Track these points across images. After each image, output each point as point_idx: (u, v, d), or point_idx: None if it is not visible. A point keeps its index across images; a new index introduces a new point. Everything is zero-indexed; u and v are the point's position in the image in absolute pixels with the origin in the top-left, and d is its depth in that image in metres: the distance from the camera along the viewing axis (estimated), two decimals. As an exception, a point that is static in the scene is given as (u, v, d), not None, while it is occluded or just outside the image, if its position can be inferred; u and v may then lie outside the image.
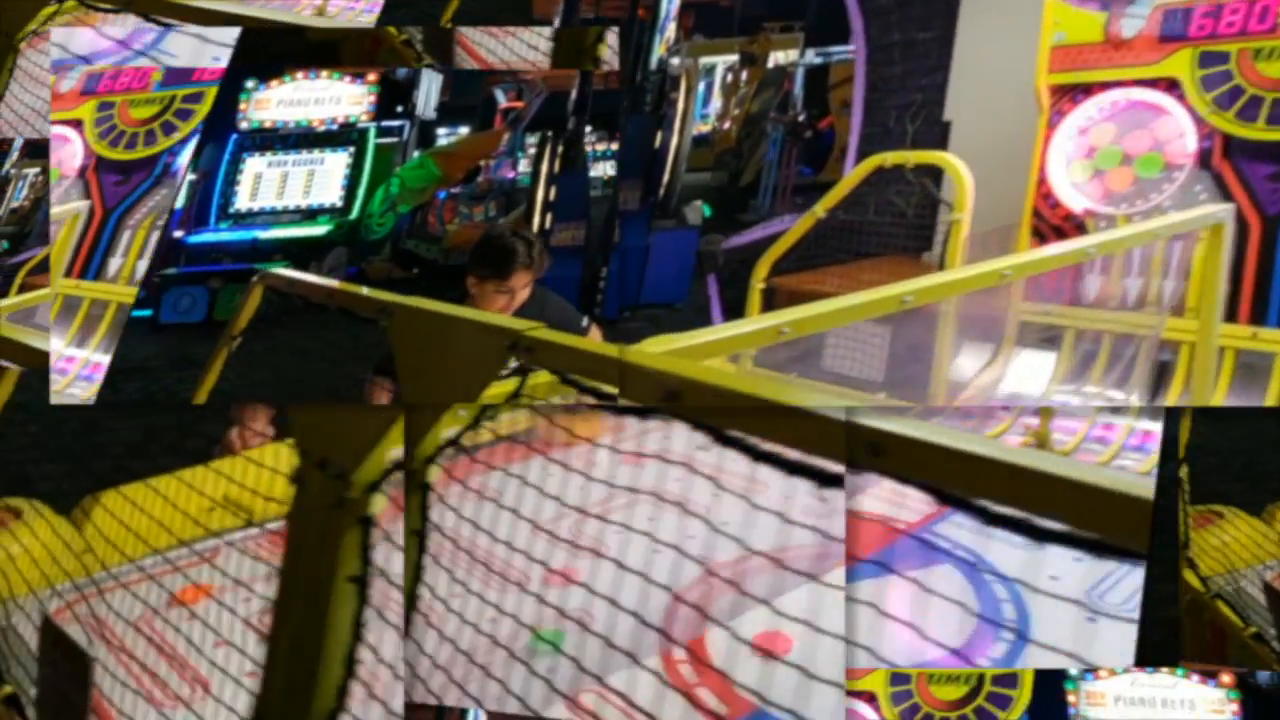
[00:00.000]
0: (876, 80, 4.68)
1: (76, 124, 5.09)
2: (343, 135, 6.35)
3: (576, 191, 6.16)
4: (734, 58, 7.86)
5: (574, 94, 6.62)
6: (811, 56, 8.19)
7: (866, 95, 4.68)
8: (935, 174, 4.30)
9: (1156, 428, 3.65)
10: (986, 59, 4.34)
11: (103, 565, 2.47)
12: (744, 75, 8.27)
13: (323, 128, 6.30)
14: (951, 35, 4.50)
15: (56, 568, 2.48)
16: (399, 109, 6.56)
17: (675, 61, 6.93)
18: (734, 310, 4.86)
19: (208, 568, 2.45)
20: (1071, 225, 3.85)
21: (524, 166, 6.75)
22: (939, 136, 4.52)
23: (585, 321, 4.05)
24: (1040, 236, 3.87)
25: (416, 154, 6.66)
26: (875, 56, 4.66)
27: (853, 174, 3.85)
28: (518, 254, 3.64)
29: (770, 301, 3.93)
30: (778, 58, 8.15)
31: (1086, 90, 3.97)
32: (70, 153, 5.01)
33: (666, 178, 6.60)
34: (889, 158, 3.75)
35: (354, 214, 6.30)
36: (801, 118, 7.79)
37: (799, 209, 7.44)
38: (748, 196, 7.48)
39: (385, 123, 6.53)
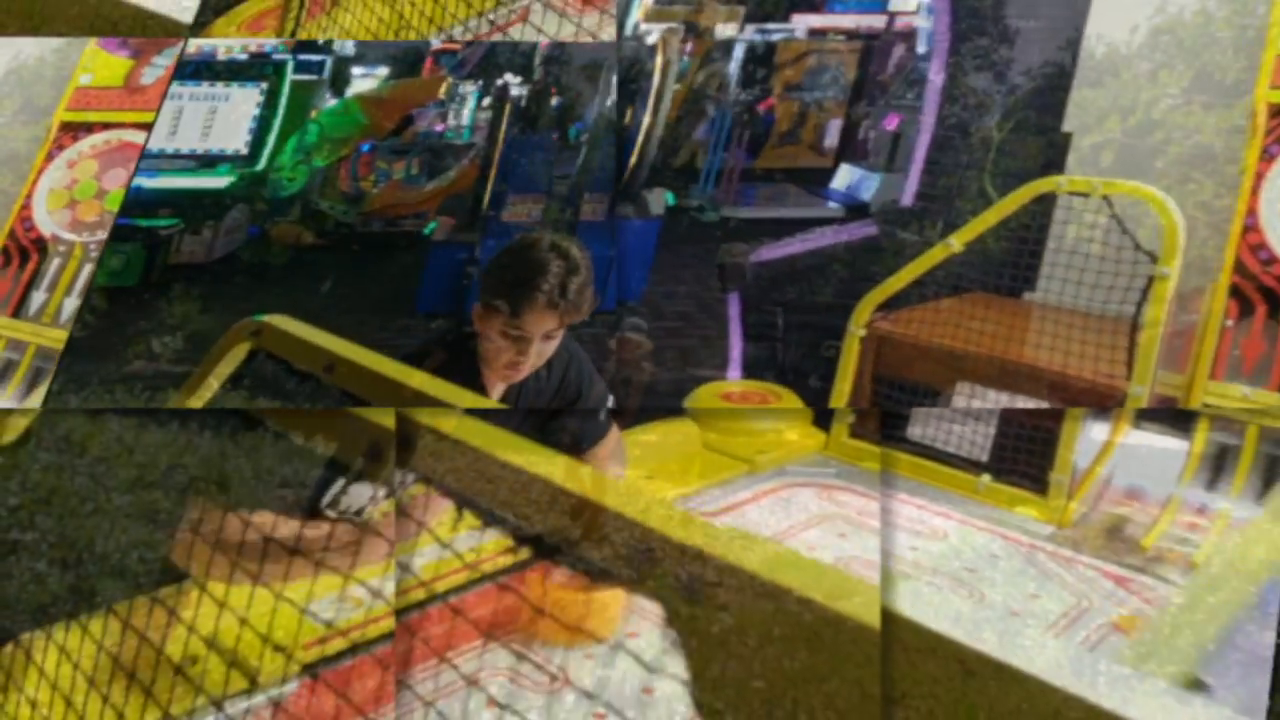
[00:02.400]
0: (957, 72, 3.86)
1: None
2: (255, 66, 5.23)
3: (539, 157, 5.29)
4: (676, 26, 7.17)
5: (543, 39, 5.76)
6: (751, 33, 7.52)
7: (943, 89, 3.85)
8: (1038, 205, 3.50)
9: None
10: (1144, 58, 3.54)
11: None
12: (688, 47, 7.59)
13: (230, 56, 5.17)
14: (1074, 25, 3.67)
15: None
16: (318, 41, 5.52)
17: (654, 28, 6.21)
18: (758, 338, 3.97)
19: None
20: (1289, 290, 3.08)
21: (453, 120, 5.86)
22: (1046, 152, 3.70)
23: (604, 415, 2.71)
24: (1243, 301, 3.08)
25: (328, 97, 5.64)
26: (958, 46, 3.83)
27: (1011, 198, 3.00)
28: (545, 276, 2.33)
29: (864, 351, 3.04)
30: (721, 31, 7.48)
31: (1319, 114, 3.18)
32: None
33: (634, 160, 5.88)
34: (1062, 181, 2.91)
35: (261, 164, 5.21)
36: (752, 97, 7.13)
37: (743, 198, 6.80)
38: (686, 180, 6.77)
39: (304, 55, 5.45)
